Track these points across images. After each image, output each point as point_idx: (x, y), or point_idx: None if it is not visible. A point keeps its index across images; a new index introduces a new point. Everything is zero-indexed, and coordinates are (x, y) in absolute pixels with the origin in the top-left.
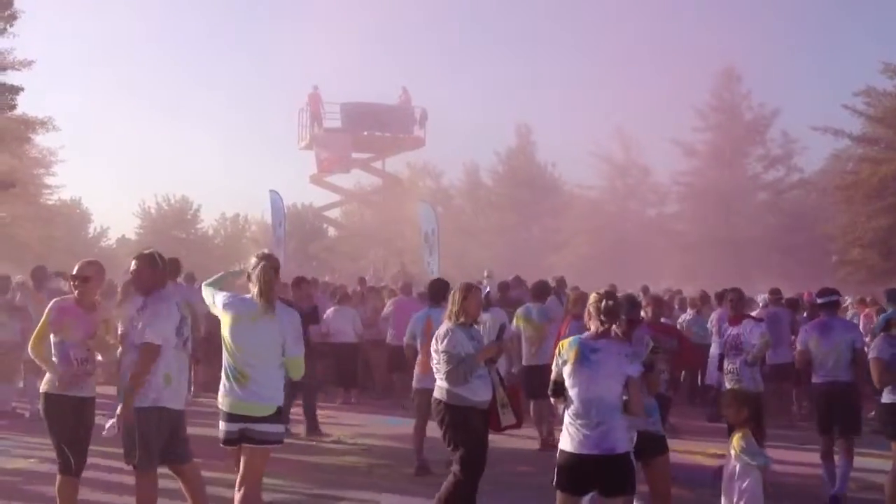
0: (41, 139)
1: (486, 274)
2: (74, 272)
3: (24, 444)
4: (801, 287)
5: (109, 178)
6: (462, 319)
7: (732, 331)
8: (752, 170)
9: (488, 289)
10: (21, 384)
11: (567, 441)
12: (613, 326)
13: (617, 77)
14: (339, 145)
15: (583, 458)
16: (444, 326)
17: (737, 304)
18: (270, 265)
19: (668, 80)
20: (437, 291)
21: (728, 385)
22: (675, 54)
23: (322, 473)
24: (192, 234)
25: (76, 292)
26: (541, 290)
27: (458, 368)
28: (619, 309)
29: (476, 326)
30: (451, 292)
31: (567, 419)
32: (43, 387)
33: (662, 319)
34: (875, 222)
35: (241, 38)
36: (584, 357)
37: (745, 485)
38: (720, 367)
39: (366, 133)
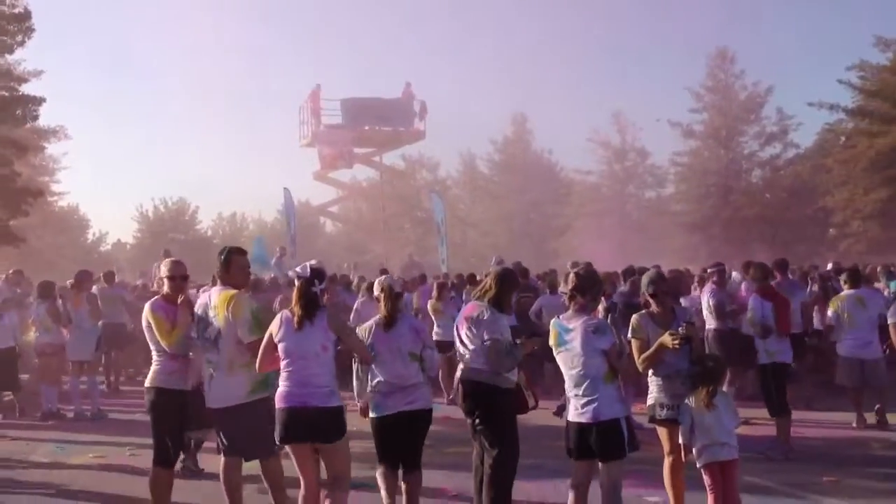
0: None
1: (494, 261)
2: (175, 271)
3: (77, 442)
4: (805, 261)
5: (106, 184)
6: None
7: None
8: (748, 148)
9: None
10: (66, 386)
11: (570, 412)
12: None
13: (611, 62)
14: (340, 141)
15: (581, 426)
16: (487, 312)
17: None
18: None
19: (662, 63)
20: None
21: None
22: (669, 37)
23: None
24: (190, 235)
25: (173, 290)
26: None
27: (510, 356)
28: (587, 283)
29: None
30: (487, 279)
31: (567, 391)
32: (149, 381)
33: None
34: (874, 194)
35: (238, 39)
36: (561, 339)
37: None
38: None
39: (367, 128)
